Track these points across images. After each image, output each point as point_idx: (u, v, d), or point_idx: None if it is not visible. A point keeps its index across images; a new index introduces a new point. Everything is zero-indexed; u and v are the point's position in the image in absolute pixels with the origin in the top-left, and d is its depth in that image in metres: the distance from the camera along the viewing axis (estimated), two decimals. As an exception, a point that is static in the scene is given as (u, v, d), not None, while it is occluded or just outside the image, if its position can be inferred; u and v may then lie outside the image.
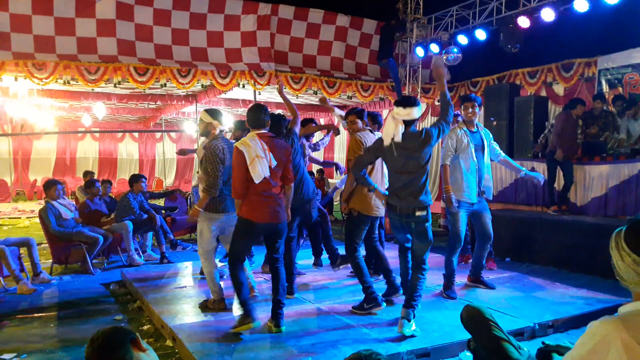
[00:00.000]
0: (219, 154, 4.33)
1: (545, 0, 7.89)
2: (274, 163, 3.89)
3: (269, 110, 4.14)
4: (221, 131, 4.55)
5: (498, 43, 8.81)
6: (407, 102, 3.87)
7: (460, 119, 5.11)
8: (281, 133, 4.77)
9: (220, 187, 4.36)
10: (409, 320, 3.85)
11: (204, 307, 4.63)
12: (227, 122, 7.89)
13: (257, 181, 3.83)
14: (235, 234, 4.04)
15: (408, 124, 3.87)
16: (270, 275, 4.22)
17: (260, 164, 3.82)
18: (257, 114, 4.00)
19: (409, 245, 4.24)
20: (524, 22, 8.20)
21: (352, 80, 10.72)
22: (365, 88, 10.89)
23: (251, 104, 4.55)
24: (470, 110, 4.90)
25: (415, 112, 3.85)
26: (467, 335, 3.09)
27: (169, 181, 20.79)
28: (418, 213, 3.89)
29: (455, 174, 4.90)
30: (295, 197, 4.66)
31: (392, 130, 3.85)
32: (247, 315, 3.88)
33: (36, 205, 12.95)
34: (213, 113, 4.53)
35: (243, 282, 3.96)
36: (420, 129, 3.93)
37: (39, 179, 17.93)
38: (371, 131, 4.87)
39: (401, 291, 4.65)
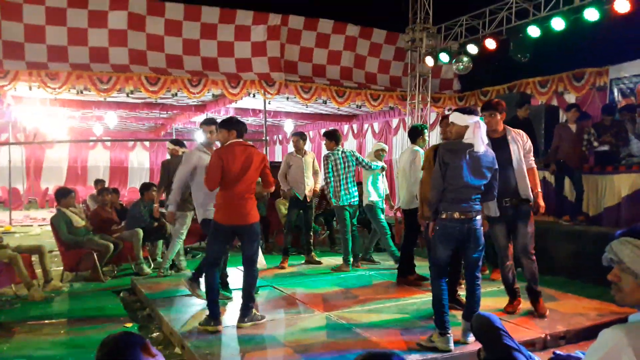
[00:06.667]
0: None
1: (555, 10, 7.87)
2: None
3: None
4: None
5: (508, 52, 8.80)
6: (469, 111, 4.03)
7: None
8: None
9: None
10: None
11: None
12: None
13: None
14: (208, 238, 4.53)
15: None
16: None
17: None
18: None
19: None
20: (534, 31, 8.19)
21: (362, 90, 10.73)
22: (374, 97, 10.89)
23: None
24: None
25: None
26: (478, 345, 3.07)
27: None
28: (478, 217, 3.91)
29: None
30: None
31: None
32: (210, 318, 4.25)
33: (48, 213, 13.05)
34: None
35: (213, 286, 4.34)
36: None
37: (50, 187, 18.10)
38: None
39: None
